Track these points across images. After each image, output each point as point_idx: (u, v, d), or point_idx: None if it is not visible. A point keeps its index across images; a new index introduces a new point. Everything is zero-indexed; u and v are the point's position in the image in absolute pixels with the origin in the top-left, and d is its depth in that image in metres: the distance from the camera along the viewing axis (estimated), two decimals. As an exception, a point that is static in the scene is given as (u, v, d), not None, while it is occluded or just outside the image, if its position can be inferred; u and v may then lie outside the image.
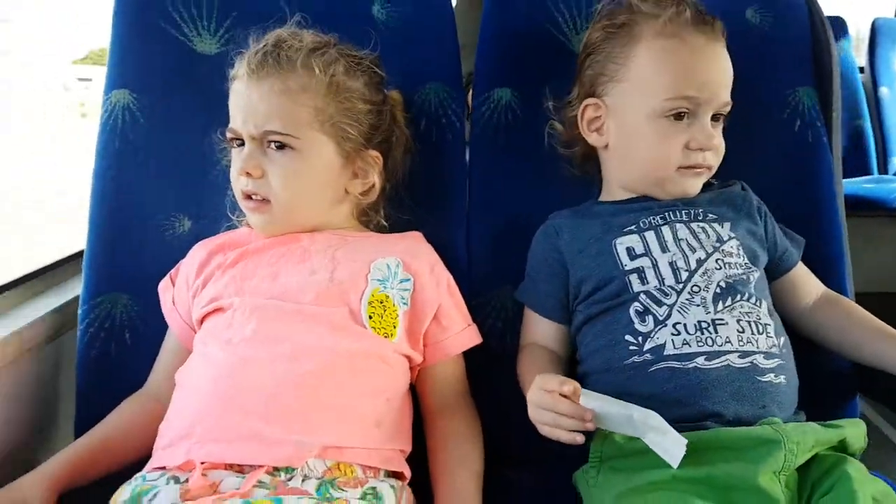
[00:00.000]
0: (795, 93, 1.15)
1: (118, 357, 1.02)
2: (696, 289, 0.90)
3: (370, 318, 0.89)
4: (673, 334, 0.88)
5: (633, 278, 0.92)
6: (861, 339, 0.96)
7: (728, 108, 0.97)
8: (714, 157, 0.97)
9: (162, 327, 1.00)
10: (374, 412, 0.85)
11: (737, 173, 1.05)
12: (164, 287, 1.01)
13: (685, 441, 0.75)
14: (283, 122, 0.91)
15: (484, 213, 1.10)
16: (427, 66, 1.13)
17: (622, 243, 0.95)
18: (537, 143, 1.10)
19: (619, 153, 1.01)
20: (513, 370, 0.97)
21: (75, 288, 1.08)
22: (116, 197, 1.07)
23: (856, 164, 2.51)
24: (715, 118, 0.96)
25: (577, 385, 0.79)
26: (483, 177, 1.11)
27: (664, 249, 0.94)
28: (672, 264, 0.92)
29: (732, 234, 0.96)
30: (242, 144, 0.94)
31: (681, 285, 0.90)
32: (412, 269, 0.95)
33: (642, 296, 0.91)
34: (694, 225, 0.96)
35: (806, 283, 1.03)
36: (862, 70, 2.73)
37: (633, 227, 0.96)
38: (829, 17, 2.22)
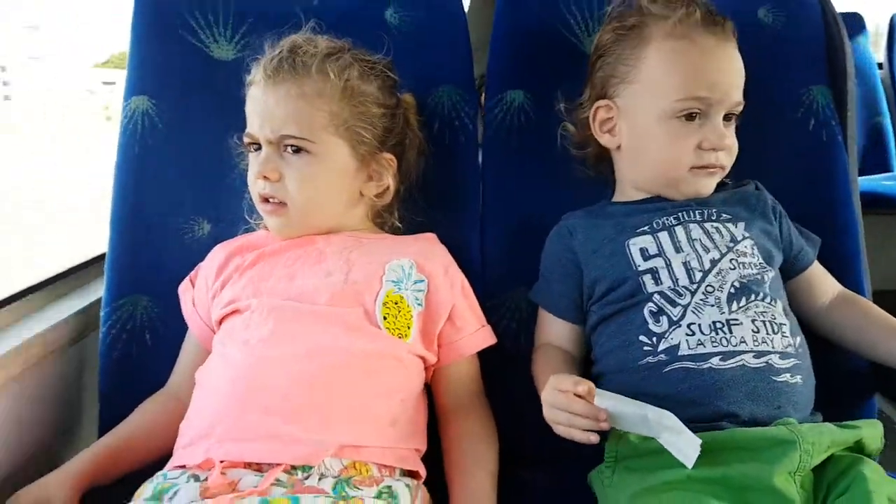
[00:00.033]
0: (809, 92, 1.15)
1: (139, 358, 1.04)
2: (710, 289, 0.90)
3: (385, 318, 0.90)
4: (687, 335, 0.88)
5: (647, 279, 0.93)
6: (878, 338, 0.95)
7: (740, 108, 0.97)
8: (727, 157, 0.97)
9: (182, 328, 1.02)
10: (390, 412, 0.86)
11: (751, 173, 1.06)
12: (183, 289, 1.03)
13: (700, 441, 0.75)
14: (300, 127, 0.93)
15: (497, 215, 1.11)
16: (440, 69, 1.14)
17: (635, 244, 0.96)
18: (550, 144, 1.10)
19: (631, 154, 1.02)
20: (527, 371, 0.98)
21: (98, 290, 1.10)
22: (137, 201, 1.09)
23: (875, 162, 2.49)
24: (727, 118, 0.97)
25: (592, 385, 0.79)
26: (496, 178, 1.12)
27: (678, 250, 0.94)
28: (686, 264, 0.92)
29: (747, 234, 0.96)
30: (259, 149, 0.96)
31: (695, 286, 0.91)
32: (426, 270, 0.96)
33: (656, 296, 0.91)
34: (707, 225, 0.96)
35: (822, 283, 1.03)
36: (881, 66, 2.71)
37: (646, 228, 0.97)
38: (846, 14, 2.22)
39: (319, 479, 0.77)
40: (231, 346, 0.90)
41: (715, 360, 0.85)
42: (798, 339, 0.91)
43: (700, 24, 0.95)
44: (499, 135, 1.12)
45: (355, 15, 1.14)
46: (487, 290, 1.06)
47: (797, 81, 1.16)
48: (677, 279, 0.92)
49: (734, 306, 0.89)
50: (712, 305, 0.89)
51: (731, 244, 0.94)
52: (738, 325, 0.87)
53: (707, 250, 0.93)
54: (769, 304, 0.90)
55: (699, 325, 0.88)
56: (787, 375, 0.86)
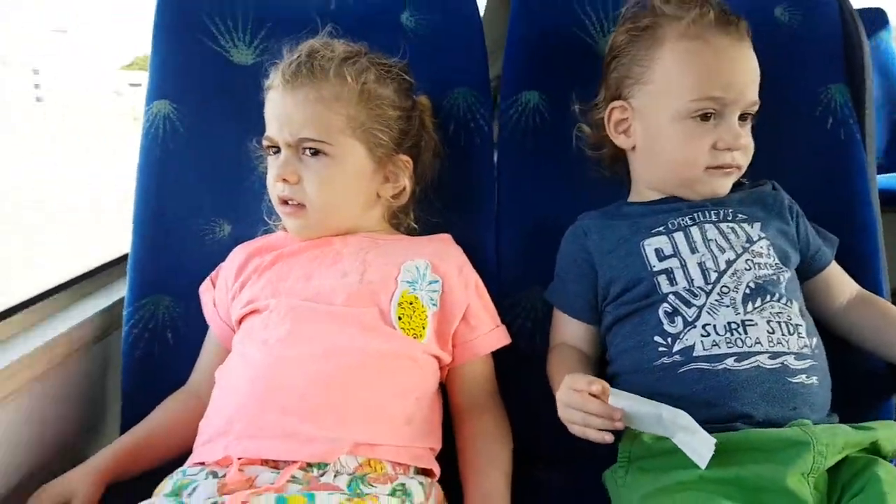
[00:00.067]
0: (827, 90, 1.14)
1: (161, 356, 1.06)
2: (725, 289, 0.90)
3: (399, 318, 0.92)
4: (702, 335, 0.88)
5: (662, 279, 0.93)
6: None
7: (756, 108, 0.97)
8: (742, 157, 0.97)
9: (202, 328, 1.04)
10: (404, 410, 0.87)
11: (769, 172, 1.05)
12: (204, 289, 1.05)
13: (714, 441, 0.75)
14: (318, 130, 0.94)
15: (513, 215, 1.11)
16: (455, 71, 1.15)
17: (650, 244, 0.96)
18: (565, 145, 1.11)
19: (646, 155, 1.02)
20: (542, 371, 0.98)
21: (121, 290, 1.12)
22: (158, 203, 1.11)
23: (898, 158, 2.45)
24: (742, 118, 0.96)
25: (606, 385, 0.80)
26: (512, 179, 1.13)
27: (693, 250, 0.94)
28: (701, 265, 0.92)
29: (763, 235, 0.96)
30: (278, 151, 0.98)
31: (710, 286, 0.91)
32: (441, 270, 0.97)
33: (671, 297, 0.92)
34: (723, 225, 0.96)
35: (840, 283, 1.02)
36: (904, 62, 2.66)
37: (661, 229, 0.97)
38: (869, 9, 2.18)
39: (335, 476, 0.78)
40: (250, 345, 0.92)
41: (730, 361, 0.85)
42: (814, 339, 0.90)
43: (714, 25, 0.95)
44: (514, 136, 1.13)
45: (372, 19, 1.15)
46: (503, 290, 1.07)
47: (815, 80, 1.15)
48: (692, 280, 0.92)
49: (749, 307, 0.89)
50: (727, 306, 0.89)
51: (747, 245, 0.94)
52: (753, 325, 0.87)
53: (722, 251, 0.93)
54: (785, 304, 0.90)
55: (714, 326, 0.88)
56: (803, 376, 0.85)
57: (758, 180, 1.05)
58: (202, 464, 0.82)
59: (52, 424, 1.00)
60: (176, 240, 1.10)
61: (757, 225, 0.97)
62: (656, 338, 0.90)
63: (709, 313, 0.89)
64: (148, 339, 1.07)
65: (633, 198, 1.06)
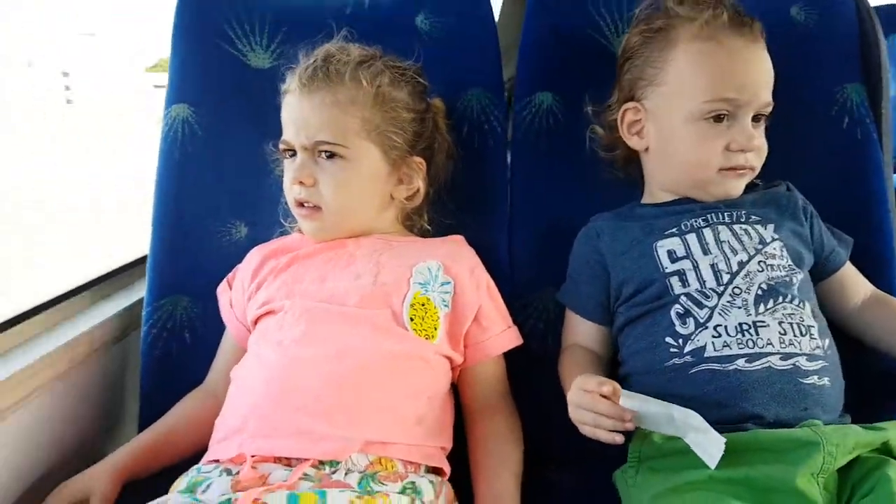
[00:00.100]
0: (843, 89, 1.14)
1: (179, 356, 1.08)
2: (737, 291, 0.90)
3: (411, 320, 0.93)
4: (713, 336, 0.88)
5: (674, 281, 0.93)
6: None
7: (769, 109, 0.97)
8: (756, 158, 0.97)
9: (219, 328, 1.06)
10: (416, 410, 0.88)
11: (784, 172, 1.05)
12: (221, 290, 1.07)
13: (724, 440, 0.75)
14: (334, 133, 0.96)
15: (526, 217, 1.12)
16: (469, 73, 1.15)
17: (663, 246, 0.96)
18: (579, 146, 1.11)
19: (659, 156, 1.02)
20: (554, 372, 0.99)
21: (140, 291, 1.14)
22: (177, 205, 1.13)
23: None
24: (756, 119, 0.96)
25: (617, 386, 0.80)
26: (525, 180, 1.13)
27: (705, 252, 0.94)
28: (713, 266, 0.92)
29: (776, 236, 0.95)
30: (295, 155, 0.99)
31: (722, 287, 0.91)
32: (453, 272, 0.98)
33: (683, 298, 0.92)
34: (736, 227, 0.96)
35: (854, 283, 1.01)
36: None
37: (674, 230, 0.97)
38: (886, 6, 2.14)
39: (346, 474, 0.79)
40: (265, 345, 0.94)
41: (741, 362, 0.85)
42: (827, 340, 0.90)
43: (727, 26, 0.95)
44: (527, 137, 1.13)
45: (387, 22, 1.17)
46: (515, 291, 1.07)
47: (831, 79, 1.15)
48: (704, 281, 0.92)
49: (761, 308, 0.89)
50: (739, 307, 0.89)
51: (760, 246, 0.94)
52: (764, 326, 0.87)
53: (735, 252, 0.93)
54: (797, 306, 0.90)
55: (725, 327, 0.88)
56: (815, 377, 0.85)
57: (773, 181, 1.04)
58: (217, 461, 0.84)
59: (71, 423, 1.02)
60: (194, 241, 1.12)
61: (770, 226, 0.96)
62: (668, 339, 0.90)
63: (720, 314, 0.89)
64: (166, 338, 1.09)
65: (646, 199, 1.06)
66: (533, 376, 1.02)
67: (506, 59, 1.21)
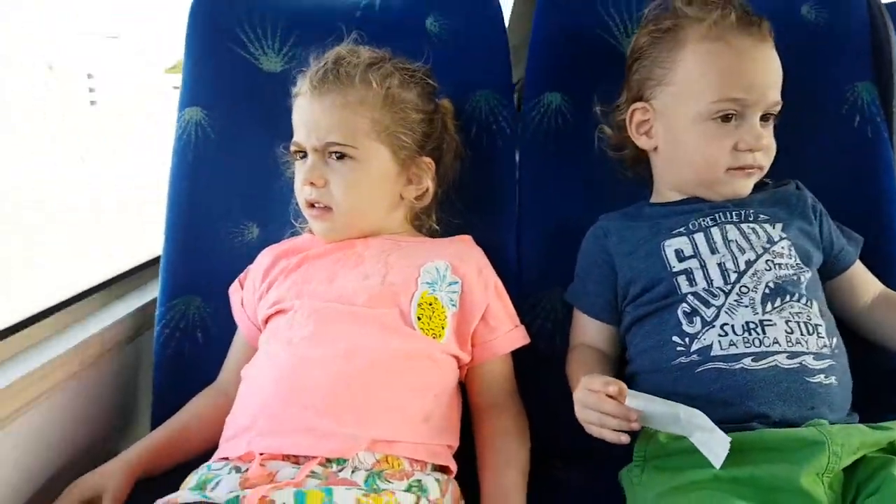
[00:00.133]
0: (854, 88, 1.14)
1: (191, 355, 1.10)
2: (744, 290, 0.90)
3: (419, 319, 0.93)
4: (720, 335, 0.88)
5: (682, 280, 0.93)
6: None
7: (778, 108, 0.97)
8: (764, 158, 0.97)
9: (231, 327, 1.07)
10: (423, 408, 0.89)
11: (795, 170, 1.05)
12: (233, 290, 1.08)
13: (729, 440, 0.76)
14: (344, 134, 0.97)
15: (534, 217, 1.12)
16: (478, 74, 1.16)
17: (671, 245, 0.96)
18: (587, 147, 1.11)
19: (667, 156, 1.02)
20: (562, 371, 0.99)
21: (153, 291, 1.16)
22: (190, 207, 1.15)
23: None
24: (765, 118, 0.96)
25: (623, 385, 0.80)
26: (533, 181, 1.14)
27: (713, 251, 0.94)
28: (721, 265, 0.92)
29: (784, 235, 0.95)
30: (305, 156, 1.00)
31: (729, 286, 0.91)
32: (460, 272, 0.99)
33: (690, 297, 0.92)
34: (744, 226, 0.96)
35: (864, 282, 1.01)
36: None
37: (682, 230, 0.97)
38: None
39: (352, 472, 0.80)
40: (275, 344, 0.95)
41: (747, 361, 0.85)
42: (834, 339, 0.90)
43: (735, 26, 0.95)
44: (536, 137, 1.14)
45: (397, 25, 1.17)
46: (523, 291, 1.08)
47: (842, 78, 1.15)
48: (712, 280, 0.92)
49: (768, 307, 0.89)
50: (746, 306, 0.89)
51: (768, 245, 0.94)
52: (771, 325, 0.87)
53: (743, 251, 0.93)
54: (805, 304, 0.90)
55: (732, 326, 0.88)
56: (822, 376, 0.85)
57: (783, 179, 1.04)
58: (226, 459, 0.85)
59: (84, 422, 1.04)
60: (206, 242, 1.13)
61: (779, 225, 0.96)
62: (675, 338, 0.91)
63: (727, 313, 0.89)
64: (179, 338, 1.10)
65: (654, 199, 1.07)
66: (540, 375, 1.02)
67: (517, 60, 1.22)
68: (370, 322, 0.92)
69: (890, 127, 1.12)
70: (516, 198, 1.13)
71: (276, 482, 0.77)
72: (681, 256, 0.95)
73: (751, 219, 0.97)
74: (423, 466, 0.86)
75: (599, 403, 0.80)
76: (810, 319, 0.89)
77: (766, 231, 0.95)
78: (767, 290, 0.90)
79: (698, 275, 0.93)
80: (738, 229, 0.95)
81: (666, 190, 1.05)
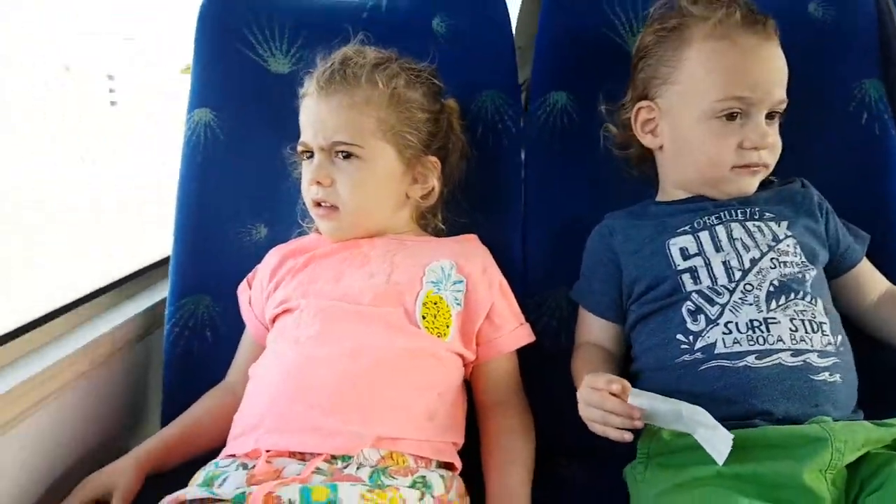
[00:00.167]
0: (861, 85, 1.13)
1: (200, 353, 1.11)
2: (748, 288, 0.90)
3: (424, 318, 0.94)
4: (724, 333, 0.88)
5: (686, 278, 0.93)
6: None
7: (783, 106, 0.97)
8: (770, 156, 0.97)
9: (240, 326, 1.08)
10: (427, 406, 0.90)
11: (802, 168, 1.05)
12: (241, 289, 1.09)
13: (731, 437, 0.76)
14: (350, 133, 0.98)
15: (540, 216, 1.13)
16: (484, 74, 1.17)
17: (675, 244, 0.96)
18: (593, 146, 1.12)
19: (673, 154, 1.02)
20: (567, 369, 1.00)
21: (163, 291, 1.17)
22: (199, 207, 1.16)
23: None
24: (770, 116, 0.96)
25: (626, 384, 0.81)
26: (539, 180, 1.14)
27: (718, 249, 0.94)
28: (725, 264, 0.93)
29: (789, 233, 0.95)
30: (312, 156, 1.01)
31: (733, 284, 0.91)
32: (465, 270, 0.99)
33: (694, 295, 0.92)
34: (749, 224, 0.96)
35: (870, 280, 1.01)
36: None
37: (687, 228, 0.97)
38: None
39: (357, 468, 0.81)
40: (283, 343, 0.96)
41: (751, 359, 0.86)
42: (839, 337, 0.90)
43: (741, 24, 0.95)
44: (542, 136, 1.14)
45: (403, 26, 1.18)
46: (529, 290, 1.08)
47: (849, 75, 1.14)
48: (716, 278, 0.92)
49: (773, 305, 0.89)
50: (750, 304, 0.89)
51: (773, 243, 0.94)
52: (775, 323, 0.87)
53: (747, 249, 0.93)
54: (809, 302, 0.90)
55: (736, 324, 0.88)
56: (826, 374, 0.85)
57: (790, 177, 1.04)
58: (233, 456, 0.86)
59: (95, 421, 1.05)
60: (215, 242, 1.15)
61: (784, 223, 0.96)
62: (679, 335, 0.91)
63: (731, 311, 0.89)
64: (188, 336, 1.11)
65: (660, 197, 1.07)
66: (546, 373, 1.03)
67: (525, 60, 1.22)
68: (375, 321, 0.93)
69: (898, 124, 1.11)
70: (522, 197, 1.13)
71: (282, 478, 0.78)
72: (685, 255, 0.95)
73: (756, 217, 0.97)
74: (427, 463, 0.87)
75: (603, 401, 0.80)
76: (815, 317, 0.89)
77: (771, 229, 0.95)
78: (772, 288, 0.90)
79: (703, 273, 0.93)
80: (744, 227, 0.95)
81: (671, 188, 1.05)
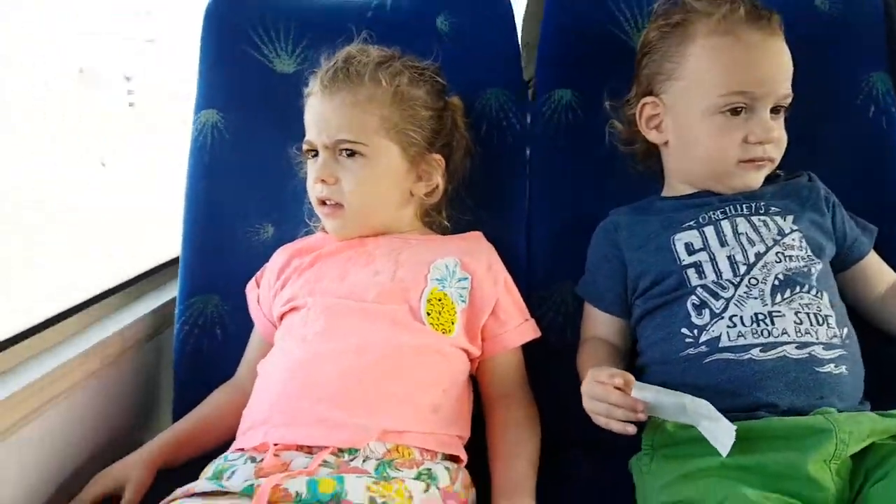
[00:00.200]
0: (869, 78, 1.13)
1: (210, 351, 1.12)
2: (753, 281, 0.90)
3: (428, 314, 0.95)
4: (728, 326, 0.88)
5: (691, 273, 0.94)
6: None
7: (788, 100, 0.97)
8: (775, 150, 0.97)
9: (248, 324, 1.09)
10: (432, 400, 0.90)
11: (809, 162, 1.05)
12: (250, 288, 1.10)
13: (734, 428, 0.76)
14: (353, 131, 0.99)
15: (545, 212, 1.13)
16: (488, 72, 1.17)
17: (680, 239, 0.96)
18: (598, 142, 1.12)
19: (678, 150, 1.02)
20: (572, 364, 1.00)
21: (172, 290, 1.19)
22: (207, 207, 1.17)
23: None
24: (775, 110, 0.96)
25: (630, 377, 0.81)
26: (544, 177, 1.14)
27: (723, 244, 0.94)
28: (730, 258, 0.93)
29: (795, 227, 0.95)
30: (317, 155, 1.02)
31: (738, 279, 0.91)
32: (470, 267, 1.00)
33: (699, 289, 0.92)
34: (755, 218, 0.96)
35: (878, 272, 1.01)
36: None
37: (692, 223, 0.97)
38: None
39: (364, 461, 0.82)
40: (290, 340, 0.97)
41: (755, 352, 0.86)
42: (845, 329, 0.89)
43: (745, 20, 0.95)
44: (546, 133, 1.15)
45: (408, 25, 1.19)
46: (534, 285, 1.09)
47: (856, 68, 1.14)
48: (721, 273, 0.92)
49: (778, 298, 0.89)
50: (755, 298, 0.89)
51: (779, 237, 0.94)
52: (780, 316, 0.87)
53: (752, 243, 0.93)
54: (815, 295, 0.90)
55: (741, 318, 0.88)
56: (832, 366, 0.85)
57: (797, 170, 1.04)
58: (242, 450, 0.87)
59: (105, 419, 1.06)
60: (223, 242, 1.16)
61: (790, 217, 0.96)
62: (683, 329, 0.91)
63: (736, 305, 0.89)
64: (198, 335, 1.13)
65: (666, 192, 1.07)
66: (551, 368, 1.03)
67: (531, 57, 1.23)
68: (380, 318, 0.94)
69: (905, 117, 1.10)
70: (527, 193, 1.14)
71: (289, 471, 0.79)
72: (690, 250, 0.95)
73: (762, 211, 0.97)
74: (433, 456, 0.88)
75: (606, 395, 0.81)
76: (820, 310, 0.89)
77: (776, 223, 0.95)
78: (777, 282, 0.90)
79: (708, 268, 0.93)
80: (749, 222, 0.96)
81: (677, 184, 1.05)
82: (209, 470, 0.84)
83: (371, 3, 1.20)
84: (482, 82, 1.16)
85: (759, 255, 0.92)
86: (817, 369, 0.84)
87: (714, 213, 0.97)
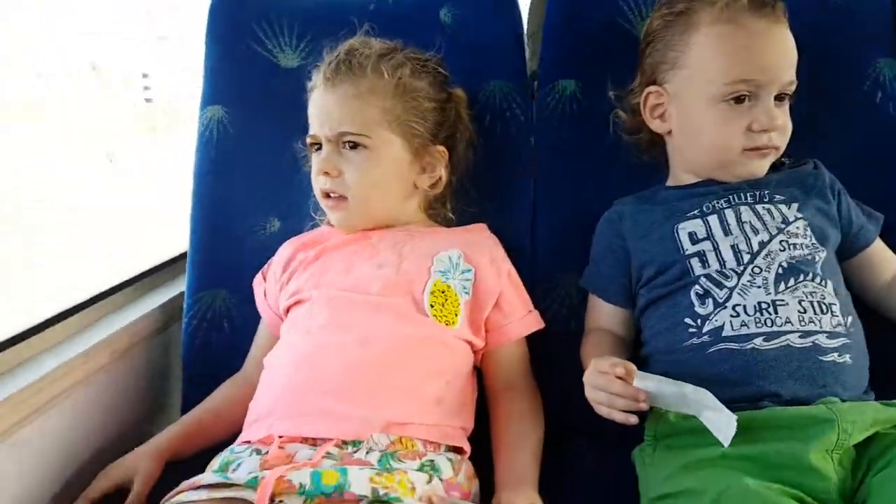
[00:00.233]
0: (876, 64, 1.12)
1: (218, 345, 1.14)
2: (756, 270, 0.90)
3: (432, 307, 0.95)
4: (732, 316, 0.88)
5: (695, 262, 0.94)
6: None
7: (793, 87, 0.96)
8: (780, 138, 0.97)
9: (255, 317, 1.10)
10: (435, 392, 0.91)
11: (816, 149, 1.04)
12: (257, 282, 1.11)
13: (736, 418, 0.76)
14: (356, 124, 0.99)
15: (549, 203, 1.13)
16: (492, 64, 1.17)
17: (684, 228, 0.96)
18: (602, 132, 1.11)
19: (682, 139, 1.02)
20: (576, 355, 1.00)
21: (180, 285, 1.20)
22: (213, 202, 1.18)
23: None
24: (780, 98, 0.96)
25: (632, 366, 0.81)
26: (548, 167, 1.14)
27: (727, 233, 0.94)
28: (734, 247, 0.93)
29: (799, 215, 0.95)
30: (321, 148, 1.02)
31: (742, 268, 0.91)
32: (473, 260, 1.00)
33: (703, 279, 0.92)
34: (759, 207, 0.96)
35: (884, 260, 1.00)
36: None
37: (696, 212, 0.97)
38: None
39: (367, 452, 0.83)
40: (295, 333, 0.98)
41: (758, 341, 0.86)
42: (849, 318, 0.89)
43: (748, 8, 0.95)
44: (550, 124, 1.14)
45: (411, 17, 1.19)
46: (538, 277, 1.09)
47: (863, 55, 1.13)
48: (724, 262, 0.92)
49: (781, 287, 0.88)
50: (759, 287, 0.89)
51: (783, 225, 0.93)
52: (783, 305, 0.87)
53: (756, 232, 0.93)
54: (819, 284, 0.89)
55: (744, 307, 0.88)
56: (835, 355, 0.85)
57: (803, 157, 1.03)
58: (248, 442, 0.88)
59: (115, 413, 1.08)
60: (230, 236, 1.17)
61: (794, 205, 0.96)
62: (687, 319, 0.91)
63: (739, 294, 0.89)
64: (206, 328, 1.14)
65: (670, 182, 1.07)
66: (555, 360, 1.03)
67: (535, 48, 1.22)
68: (384, 310, 0.94)
69: (912, 103, 1.09)
70: (531, 185, 1.14)
71: (293, 463, 0.79)
72: (694, 239, 0.95)
73: (766, 199, 0.96)
74: (436, 447, 0.88)
75: (608, 384, 0.81)
76: (824, 298, 0.88)
77: (780, 211, 0.95)
78: (781, 271, 0.90)
79: (711, 257, 0.93)
80: (753, 210, 0.95)
81: (681, 173, 1.04)
82: (215, 462, 0.85)
83: (373, -5, 1.20)
84: (486, 73, 1.16)
85: (762, 244, 0.92)
86: (820, 358, 0.84)
87: (718, 202, 0.97)
